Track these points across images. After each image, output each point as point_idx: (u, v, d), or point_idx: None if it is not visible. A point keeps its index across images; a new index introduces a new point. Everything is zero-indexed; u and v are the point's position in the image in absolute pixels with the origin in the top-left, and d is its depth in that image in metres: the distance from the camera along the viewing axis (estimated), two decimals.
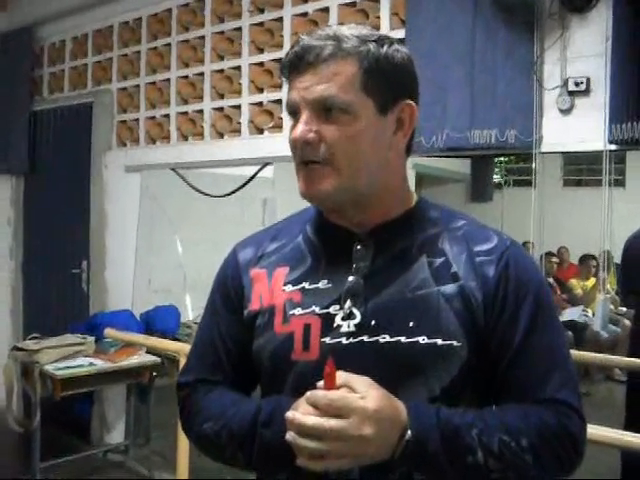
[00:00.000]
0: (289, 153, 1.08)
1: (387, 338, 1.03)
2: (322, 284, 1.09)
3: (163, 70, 4.12)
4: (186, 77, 3.99)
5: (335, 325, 1.06)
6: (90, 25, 4.58)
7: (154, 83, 4.18)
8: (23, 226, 5.22)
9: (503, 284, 1.05)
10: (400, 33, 2.98)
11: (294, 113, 1.06)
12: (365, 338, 1.04)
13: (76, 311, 4.65)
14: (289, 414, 0.95)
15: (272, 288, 1.13)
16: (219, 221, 5.13)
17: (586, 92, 2.57)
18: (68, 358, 3.80)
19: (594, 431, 1.84)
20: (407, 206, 1.13)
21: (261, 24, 3.60)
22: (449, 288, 1.05)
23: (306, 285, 1.10)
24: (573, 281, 7.03)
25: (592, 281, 6.72)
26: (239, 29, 3.69)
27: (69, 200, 4.77)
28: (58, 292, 4.89)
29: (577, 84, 2.56)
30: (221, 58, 3.80)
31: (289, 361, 1.07)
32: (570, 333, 5.77)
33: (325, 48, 1.02)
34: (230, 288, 1.19)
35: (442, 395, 1.02)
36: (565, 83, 2.60)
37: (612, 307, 5.54)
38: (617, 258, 3.72)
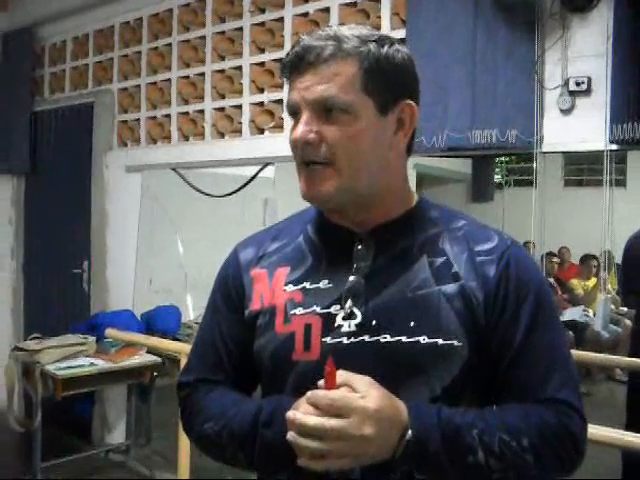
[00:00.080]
0: (290, 153, 1.08)
1: (388, 338, 1.03)
2: (323, 284, 1.09)
3: (164, 70, 4.12)
4: (187, 77, 3.99)
5: (336, 325, 1.06)
6: (91, 25, 4.59)
7: (155, 83, 4.18)
8: (24, 226, 5.23)
9: (504, 284, 1.05)
10: (401, 33, 2.98)
11: (295, 113, 1.06)
12: (366, 338, 1.04)
13: (77, 311, 4.65)
14: (290, 414, 0.95)
15: (273, 288, 1.13)
16: (220, 221, 5.12)
17: (587, 92, 2.57)
18: (69, 358, 3.80)
19: (595, 431, 1.84)
20: (408, 206, 1.13)
21: (262, 24, 3.60)
22: (450, 288, 1.05)
23: (307, 285, 1.10)
24: (574, 281, 7.02)
25: (593, 281, 6.72)
26: (240, 29, 3.69)
27: (70, 200, 4.77)
28: (59, 292, 4.90)
29: (578, 84, 2.56)
30: (222, 58, 3.80)
31: (290, 361, 1.07)
32: (571, 333, 5.77)
33: (326, 48, 1.02)
34: (231, 288, 1.19)
35: (443, 395, 1.02)
36: (566, 83, 2.60)
37: (613, 307, 5.53)
38: (618, 258, 3.71)
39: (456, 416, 0.98)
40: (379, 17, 3.12)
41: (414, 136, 1.12)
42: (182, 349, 3.21)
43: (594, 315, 5.91)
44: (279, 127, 3.52)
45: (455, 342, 1.02)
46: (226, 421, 1.08)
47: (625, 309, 5.74)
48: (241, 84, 3.69)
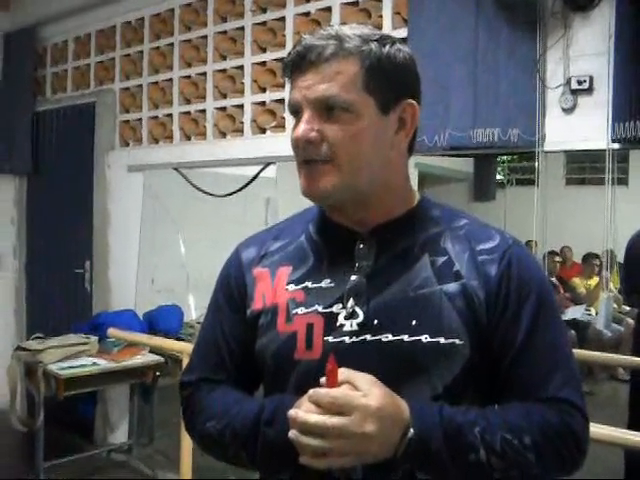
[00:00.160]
0: (292, 153, 1.08)
1: (390, 337, 1.03)
2: (325, 283, 1.09)
3: (166, 70, 4.13)
4: (189, 77, 3.99)
5: (338, 324, 1.06)
6: (93, 25, 4.59)
7: (157, 83, 4.19)
8: (26, 226, 5.23)
9: (505, 282, 1.05)
10: (402, 32, 2.98)
11: (296, 112, 1.06)
12: (368, 337, 1.04)
13: (79, 311, 4.66)
14: (291, 412, 0.95)
15: (275, 287, 1.13)
16: (222, 221, 5.12)
17: (589, 91, 2.57)
18: (71, 358, 3.81)
19: (597, 430, 1.84)
20: (409, 205, 1.13)
21: (264, 24, 3.60)
22: (451, 287, 1.05)
23: (309, 284, 1.10)
24: (576, 280, 7.01)
25: (595, 280, 6.70)
26: (242, 29, 3.69)
27: (72, 200, 4.78)
28: (61, 292, 4.90)
29: (580, 83, 2.56)
30: (224, 58, 3.80)
31: (292, 360, 1.07)
32: (573, 332, 5.76)
33: (327, 47, 1.02)
34: (233, 287, 1.19)
35: (445, 393, 1.02)
36: (568, 82, 2.60)
37: (615, 306, 5.52)
38: (620, 257, 3.71)
39: (458, 415, 0.98)
40: (381, 16, 3.13)
41: (415, 135, 1.12)
42: (184, 349, 3.21)
43: (596, 314, 5.90)
44: (281, 127, 3.52)
45: (457, 341, 1.02)
46: (228, 420, 1.08)
47: (627, 308, 5.74)
48: (243, 84, 3.69)
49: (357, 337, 1.04)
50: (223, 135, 3.82)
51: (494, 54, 2.71)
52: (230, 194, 4.03)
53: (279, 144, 3.40)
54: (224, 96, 3.80)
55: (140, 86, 4.30)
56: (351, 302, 1.06)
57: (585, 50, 2.58)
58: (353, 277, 1.07)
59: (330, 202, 1.10)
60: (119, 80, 4.44)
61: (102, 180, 4.51)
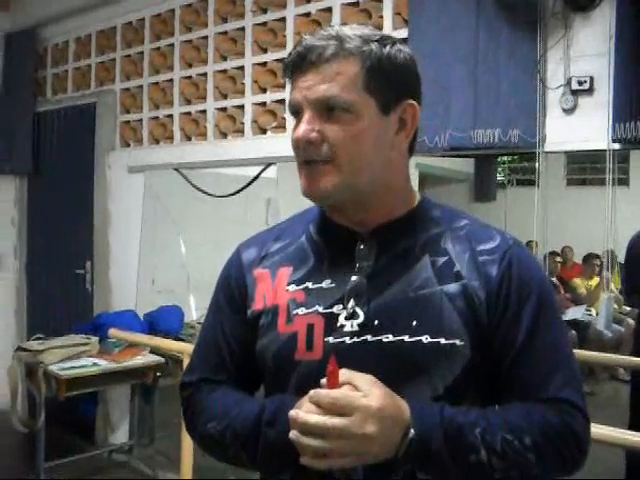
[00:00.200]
0: (292, 153, 1.08)
1: (390, 337, 1.03)
2: (325, 284, 1.09)
3: (166, 70, 4.13)
4: (189, 77, 3.99)
5: (338, 325, 1.06)
6: (93, 26, 4.59)
7: (157, 83, 4.19)
8: (27, 226, 5.23)
9: (506, 283, 1.05)
10: (403, 33, 2.98)
11: (297, 113, 1.06)
12: (368, 337, 1.04)
13: (80, 311, 4.66)
14: (292, 413, 0.95)
15: (275, 288, 1.13)
16: (222, 221, 5.11)
17: (589, 91, 2.56)
18: (72, 358, 3.81)
19: (598, 430, 1.84)
20: (410, 206, 1.13)
21: (264, 24, 3.60)
22: (452, 287, 1.05)
23: (309, 285, 1.10)
24: (577, 280, 7.01)
25: (596, 280, 6.69)
26: (242, 29, 3.70)
27: (73, 200, 4.78)
28: (62, 292, 4.90)
29: (580, 83, 2.56)
30: (224, 58, 3.80)
31: (292, 361, 1.07)
32: (574, 332, 5.75)
33: (327, 48, 1.02)
34: (234, 288, 1.19)
35: (445, 394, 1.02)
36: (568, 82, 2.60)
37: (616, 306, 5.52)
38: (621, 257, 3.71)
39: (458, 415, 0.98)
40: (381, 17, 3.13)
41: (416, 136, 1.12)
42: (185, 349, 3.21)
43: (597, 314, 5.89)
44: (281, 127, 3.52)
45: (457, 341, 1.02)
46: (229, 421, 1.08)
47: (628, 308, 5.73)
48: (243, 84, 3.69)
49: (358, 338, 1.04)
50: (224, 136, 3.82)
51: (495, 54, 2.71)
52: (231, 194, 4.03)
53: (280, 144, 3.40)
54: (225, 97, 3.80)
55: (141, 87, 4.30)
56: (352, 303, 1.06)
57: (586, 50, 2.58)
58: (354, 278, 1.07)
59: (330, 202, 1.09)
60: (120, 81, 4.44)
61: (103, 181, 4.51)
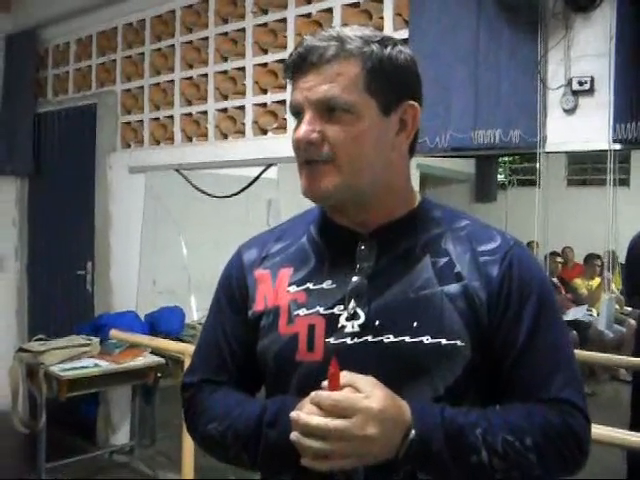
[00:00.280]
0: (293, 154, 1.08)
1: (391, 338, 1.03)
2: (326, 284, 1.09)
3: (167, 71, 4.13)
4: (190, 78, 3.99)
5: (339, 325, 1.06)
6: (94, 27, 4.59)
7: (158, 84, 4.19)
8: (28, 227, 5.24)
9: (507, 283, 1.05)
10: (404, 33, 2.98)
11: (297, 113, 1.06)
12: (369, 338, 1.04)
13: (81, 312, 4.66)
14: (294, 414, 0.95)
15: (276, 289, 1.13)
16: (223, 222, 5.12)
17: (590, 91, 2.56)
18: (73, 359, 3.81)
19: (599, 431, 1.84)
20: (410, 206, 1.13)
21: (265, 25, 3.60)
22: (453, 288, 1.05)
23: (310, 286, 1.10)
24: (578, 281, 7.00)
25: (597, 281, 6.69)
26: (243, 30, 3.70)
27: (74, 201, 4.78)
28: (63, 293, 4.91)
29: (581, 83, 2.56)
30: (225, 59, 3.81)
31: (293, 362, 1.08)
32: (575, 333, 5.75)
33: (328, 49, 1.02)
34: (235, 289, 1.19)
35: (446, 395, 1.02)
36: (569, 83, 2.60)
37: (617, 307, 5.51)
38: (622, 258, 3.71)
39: (459, 416, 0.98)
40: (382, 18, 3.13)
41: (417, 137, 1.12)
42: (186, 350, 3.21)
43: (598, 315, 5.89)
44: (282, 128, 3.52)
45: (458, 342, 1.02)
46: (230, 421, 1.08)
47: (629, 309, 5.73)
48: (244, 85, 3.70)
49: (358, 338, 1.04)
50: (224, 136, 3.82)
51: (495, 55, 2.71)
52: (232, 195, 4.03)
53: (280, 145, 3.40)
54: (225, 97, 3.81)
55: (141, 87, 4.30)
56: (352, 303, 1.06)
57: (586, 51, 2.58)
58: (354, 278, 1.07)
59: (331, 202, 1.10)
60: (120, 82, 4.44)
61: (103, 181, 4.51)
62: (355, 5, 3.23)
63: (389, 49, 1.05)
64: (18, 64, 4.99)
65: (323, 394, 0.94)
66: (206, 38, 3.89)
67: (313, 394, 0.95)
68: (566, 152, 3.18)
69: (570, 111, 2.61)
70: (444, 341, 1.02)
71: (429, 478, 0.98)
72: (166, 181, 4.44)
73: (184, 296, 5.23)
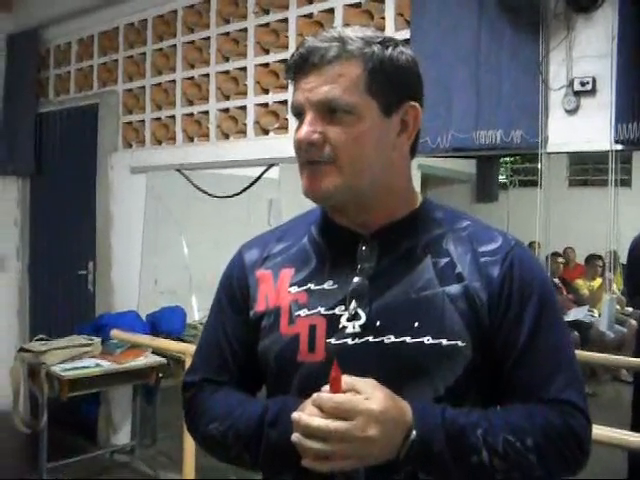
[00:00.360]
0: (294, 154, 1.08)
1: (392, 338, 1.03)
2: (327, 285, 1.09)
3: (168, 71, 4.13)
4: (191, 78, 4.00)
5: (340, 326, 1.06)
6: (95, 27, 4.60)
7: (160, 84, 4.19)
8: (29, 227, 5.24)
9: (508, 284, 1.05)
10: (405, 34, 2.98)
11: (299, 114, 1.06)
12: (370, 339, 1.04)
13: (82, 312, 4.66)
14: (295, 415, 0.95)
15: (278, 289, 1.13)
16: (225, 222, 5.12)
17: (592, 92, 2.56)
18: (75, 359, 3.81)
19: (600, 432, 1.84)
20: (412, 207, 1.13)
21: (266, 25, 3.60)
22: (454, 288, 1.05)
23: (312, 286, 1.10)
24: (579, 281, 7.00)
25: (598, 281, 6.69)
26: (244, 30, 3.70)
27: (75, 201, 4.79)
28: (64, 293, 4.91)
29: (583, 84, 2.56)
30: (226, 59, 3.81)
31: (295, 362, 1.08)
32: (576, 333, 5.75)
33: (330, 50, 1.02)
34: (236, 289, 1.19)
35: (447, 395, 1.02)
36: (571, 83, 2.60)
37: (618, 307, 5.51)
38: (623, 258, 3.70)
39: (460, 416, 0.98)
40: (383, 18, 3.13)
41: (418, 137, 1.12)
42: (187, 350, 3.21)
43: (599, 315, 5.88)
44: (284, 128, 3.52)
45: (459, 343, 1.02)
46: (232, 421, 1.08)
47: (630, 309, 5.73)
48: (246, 85, 3.70)
49: (359, 339, 1.05)
50: (226, 136, 3.82)
51: (497, 55, 2.70)
52: (233, 195, 4.04)
53: (282, 145, 3.40)
54: (227, 97, 3.81)
55: (143, 87, 4.30)
56: (353, 304, 1.06)
57: (588, 51, 2.57)
58: (355, 279, 1.07)
59: (332, 203, 1.10)
60: (122, 82, 4.44)
61: (105, 181, 4.51)
62: (357, 5, 3.23)
63: (390, 50, 1.05)
64: (20, 64, 4.99)
65: (324, 396, 0.94)
66: (208, 38, 3.89)
67: (314, 396, 0.95)
68: (568, 152, 3.18)
69: (572, 111, 2.61)
70: (445, 342, 1.02)
71: (430, 478, 0.98)
72: (167, 181, 4.44)
73: (185, 296, 5.23)
